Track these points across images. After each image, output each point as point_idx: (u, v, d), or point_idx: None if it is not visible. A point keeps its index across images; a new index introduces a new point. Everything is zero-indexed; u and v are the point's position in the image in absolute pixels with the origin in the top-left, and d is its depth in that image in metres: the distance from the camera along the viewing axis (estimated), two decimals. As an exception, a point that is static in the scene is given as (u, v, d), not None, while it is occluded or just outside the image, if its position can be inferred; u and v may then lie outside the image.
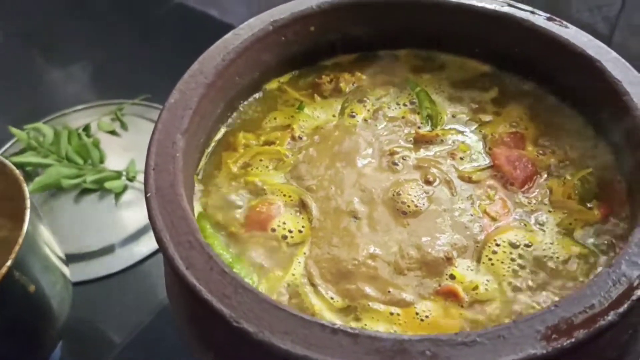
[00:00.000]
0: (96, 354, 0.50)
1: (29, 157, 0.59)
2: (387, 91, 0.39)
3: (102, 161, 0.61)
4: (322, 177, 0.35)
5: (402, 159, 0.35)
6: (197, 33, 0.81)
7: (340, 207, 0.33)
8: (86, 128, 0.66)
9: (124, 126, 0.67)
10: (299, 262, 0.31)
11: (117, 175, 0.59)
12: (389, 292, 0.30)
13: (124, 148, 0.64)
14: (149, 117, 0.69)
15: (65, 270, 0.45)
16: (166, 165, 0.30)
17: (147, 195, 0.29)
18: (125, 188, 0.59)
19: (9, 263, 0.36)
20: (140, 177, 0.60)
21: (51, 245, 0.43)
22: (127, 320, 0.51)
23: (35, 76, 0.76)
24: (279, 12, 0.37)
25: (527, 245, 0.31)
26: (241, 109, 0.38)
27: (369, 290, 0.30)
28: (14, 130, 0.61)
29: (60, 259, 0.44)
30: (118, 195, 0.59)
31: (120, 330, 0.51)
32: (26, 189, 0.40)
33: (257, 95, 0.39)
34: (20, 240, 0.37)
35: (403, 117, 0.37)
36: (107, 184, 0.58)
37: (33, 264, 0.39)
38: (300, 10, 0.37)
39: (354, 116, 0.38)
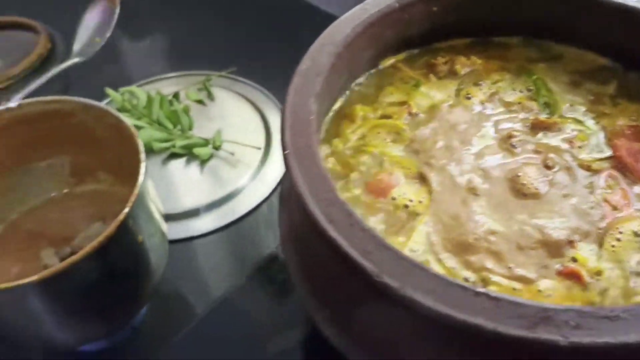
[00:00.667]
0: (178, 319, 0.51)
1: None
2: (503, 77, 0.39)
3: (190, 128, 0.63)
4: (440, 153, 0.35)
5: (521, 142, 0.35)
6: (287, 15, 0.82)
7: (459, 183, 0.34)
8: (175, 95, 0.68)
9: (210, 96, 0.69)
10: (420, 231, 0.32)
11: (205, 142, 0.61)
12: (509, 267, 0.30)
13: (210, 118, 0.66)
14: (234, 89, 0.71)
15: (164, 226, 0.46)
16: (301, 126, 0.31)
17: (286, 152, 0.30)
18: (211, 156, 0.61)
19: (126, 210, 0.37)
20: (226, 146, 0.61)
21: (155, 200, 0.45)
22: (210, 285, 0.53)
23: (128, 44, 0.78)
24: (407, -10, 0.37)
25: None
26: (358, 82, 0.39)
27: (490, 264, 0.30)
28: (109, 91, 0.63)
29: (160, 214, 0.46)
30: (204, 162, 0.61)
31: (204, 294, 0.52)
32: (140, 143, 0.42)
33: (372, 71, 0.40)
34: (136, 190, 0.39)
35: (519, 103, 0.38)
36: (196, 150, 0.60)
37: (141, 215, 0.41)
38: (426, -10, 0.37)
39: (469, 98, 0.38)
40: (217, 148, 0.61)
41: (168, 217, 0.57)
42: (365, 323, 0.29)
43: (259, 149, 0.63)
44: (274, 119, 0.67)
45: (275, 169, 0.61)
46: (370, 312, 0.28)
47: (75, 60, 0.71)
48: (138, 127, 0.61)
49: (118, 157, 0.47)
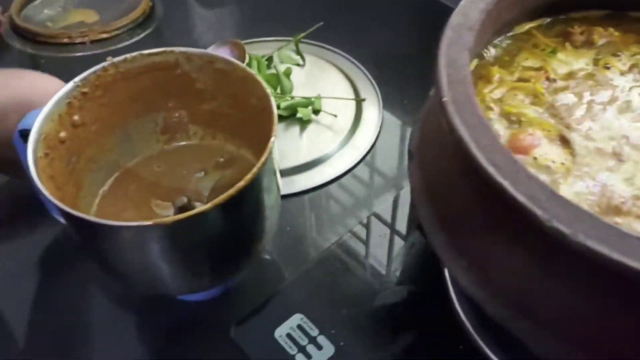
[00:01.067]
0: (273, 278, 0.51)
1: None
2: (643, 49, 0.39)
3: (290, 91, 0.64)
4: (581, 118, 0.35)
5: (666, 113, 0.35)
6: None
7: (602, 147, 0.34)
8: (269, 59, 0.69)
9: (303, 60, 0.70)
10: (564, 191, 0.32)
11: (308, 102, 0.62)
12: (661, 233, 0.30)
13: (302, 83, 0.67)
14: (321, 55, 0.72)
15: (280, 183, 0.45)
16: (458, 76, 0.31)
17: (443, 99, 0.30)
18: (310, 119, 0.62)
19: (263, 158, 0.37)
20: (328, 107, 0.62)
21: (276, 158, 0.44)
22: (297, 248, 0.53)
23: (208, 10, 0.79)
24: (554, -45, 0.37)
25: None
26: (495, 44, 0.40)
27: (639, 227, 0.30)
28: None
29: (278, 171, 0.45)
30: (304, 124, 0.62)
31: (292, 257, 0.53)
32: (267, 87, 0.42)
33: (508, 36, 0.40)
34: (270, 144, 0.38)
35: (662, 76, 0.37)
36: (300, 111, 0.61)
37: (267, 170, 0.40)
38: (575, -43, 0.37)
39: (608, 68, 0.38)
40: (316, 112, 0.62)
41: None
42: (512, 273, 0.30)
43: (364, 100, 0.65)
44: (363, 88, 0.67)
45: (365, 137, 0.62)
46: (522, 261, 0.29)
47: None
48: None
49: (218, 108, 0.48)
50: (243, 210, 0.39)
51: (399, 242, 0.48)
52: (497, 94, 0.37)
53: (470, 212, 0.31)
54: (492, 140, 0.28)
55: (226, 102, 0.48)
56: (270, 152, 0.38)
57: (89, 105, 0.44)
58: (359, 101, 0.65)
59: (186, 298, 0.47)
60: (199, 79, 0.47)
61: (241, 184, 0.36)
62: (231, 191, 0.36)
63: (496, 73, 0.38)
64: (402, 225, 0.50)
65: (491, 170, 0.27)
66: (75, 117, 0.43)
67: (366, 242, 0.48)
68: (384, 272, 0.45)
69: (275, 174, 0.42)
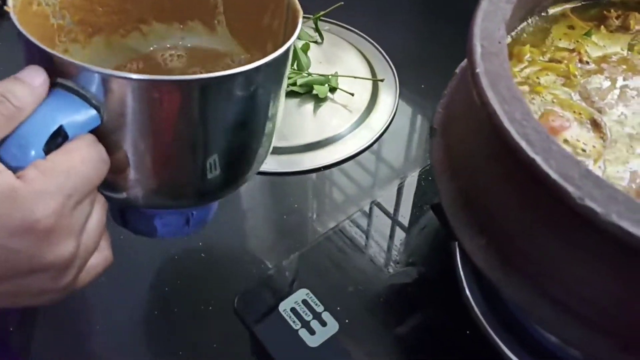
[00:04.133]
0: (280, 252, 0.50)
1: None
2: (680, 38, 0.38)
3: (307, 67, 0.63)
4: (613, 103, 0.34)
5: (701, 103, 0.34)
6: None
7: (633, 133, 0.32)
8: (287, 34, 0.67)
9: (321, 37, 0.68)
10: (594, 175, 0.31)
11: (325, 80, 0.60)
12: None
13: (320, 61, 0.66)
14: (339, 34, 0.71)
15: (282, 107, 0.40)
16: (493, 49, 0.30)
17: (477, 70, 0.29)
18: (326, 97, 0.61)
19: (294, 37, 0.34)
20: (344, 86, 0.61)
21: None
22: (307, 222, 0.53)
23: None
24: None
25: None
26: (527, 23, 0.38)
27: (670, 216, 0.29)
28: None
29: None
30: (319, 101, 0.60)
31: (304, 233, 0.52)
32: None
33: (541, 15, 0.39)
34: (291, 42, 0.34)
35: (699, 66, 0.36)
36: (316, 87, 0.59)
37: (285, 66, 0.36)
38: None
39: (644, 54, 0.37)
40: (332, 90, 0.61)
41: (276, 150, 0.57)
42: (535, 254, 0.28)
43: (382, 80, 0.64)
44: (380, 69, 0.66)
45: (380, 119, 0.61)
46: (547, 241, 0.28)
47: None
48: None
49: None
50: (262, 90, 0.34)
51: (410, 221, 0.47)
52: (527, 73, 0.36)
53: (495, 189, 0.30)
54: (526, 114, 0.27)
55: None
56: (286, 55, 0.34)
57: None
58: (376, 81, 0.64)
59: (170, 234, 0.42)
60: None
61: (277, 53, 0.32)
62: (275, 54, 0.32)
63: (527, 52, 0.37)
64: (414, 210, 0.49)
65: (523, 144, 0.26)
66: None
67: (376, 221, 0.47)
68: (394, 251, 0.44)
69: (284, 81, 0.37)
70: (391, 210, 0.48)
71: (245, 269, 0.48)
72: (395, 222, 0.47)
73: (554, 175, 0.25)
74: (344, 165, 0.57)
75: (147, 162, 0.33)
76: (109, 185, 0.33)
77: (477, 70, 0.29)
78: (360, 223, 0.46)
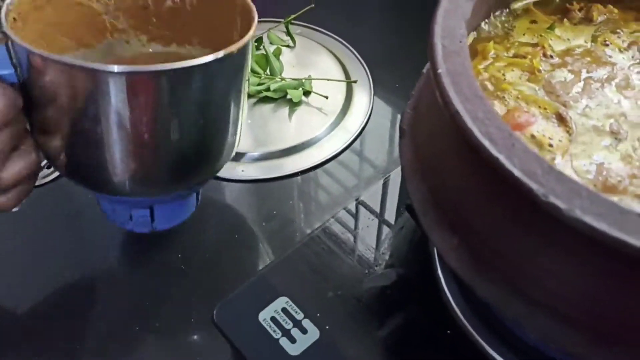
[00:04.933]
0: (258, 261, 0.51)
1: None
2: (642, 27, 0.38)
3: (280, 72, 0.62)
4: (577, 96, 0.34)
5: (665, 92, 0.34)
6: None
7: (598, 125, 0.33)
8: (258, 40, 0.67)
9: (293, 41, 0.68)
10: (561, 170, 0.31)
11: (298, 84, 0.60)
12: (657, 215, 0.29)
13: (293, 64, 0.66)
14: (311, 37, 0.70)
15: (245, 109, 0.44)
16: (454, 47, 0.30)
17: (438, 71, 0.29)
18: (301, 101, 0.61)
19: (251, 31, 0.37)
20: (318, 89, 0.61)
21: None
22: (287, 226, 0.52)
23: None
24: None
25: None
26: (488, 20, 0.38)
27: (637, 206, 0.29)
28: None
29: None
30: (294, 106, 0.60)
31: (281, 240, 0.52)
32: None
33: (504, 11, 0.39)
34: (247, 38, 0.37)
35: (662, 54, 0.36)
36: (290, 92, 0.59)
37: (245, 66, 0.39)
38: None
39: (607, 45, 0.37)
40: (307, 93, 0.61)
41: (255, 157, 0.57)
42: (506, 251, 0.28)
43: (355, 82, 0.63)
44: (354, 70, 0.66)
45: (355, 120, 0.61)
46: (516, 239, 0.28)
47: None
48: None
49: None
50: (222, 83, 0.37)
51: (386, 228, 0.47)
52: (492, 70, 0.36)
53: (463, 188, 0.30)
54: (488, 113, 0.27)
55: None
56: (245, 51, 0.37)
57: None
58: (350, 82, 0.64)
59: (135, 229, 0.45)
60: None
61: (240, 43, 0.36)
62: (240, 44, 0.36)
63: (492, 49, 0.37)
64: (390, 212, 0.49)
65: (486, 143, 0.26)
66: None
67: (355, 225, 0.47)
68: (372, 254, 0.44)
69: (245, 84, 0.40)
70: (370, 216, 0.48)
71: (225, 279, 0.48)
72: (382, 222, 0.47)
73: (517, 173, 0.25)
74: (321, 169, 0.57)
75: (79, 143, 0.37)
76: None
77: (439, 70, 0.29)
78: (337, 230, 0.46)
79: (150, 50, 0.47)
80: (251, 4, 0.40)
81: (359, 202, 0.48)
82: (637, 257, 0.23)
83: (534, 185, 0.25)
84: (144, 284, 0.48)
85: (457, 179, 0.30)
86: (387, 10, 0.76)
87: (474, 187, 0.29)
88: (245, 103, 0.42)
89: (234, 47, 0.35)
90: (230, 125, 0.41)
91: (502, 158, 0.26)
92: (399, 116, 0.63)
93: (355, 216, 0.48)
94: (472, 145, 0.27)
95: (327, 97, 0.61)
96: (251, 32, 0.37)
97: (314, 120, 0.60)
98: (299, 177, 0.56)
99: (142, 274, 0.49)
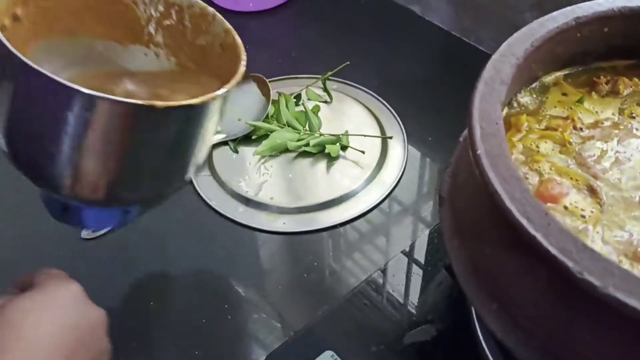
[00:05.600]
0: (303, 314, 0.53)
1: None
2: (667, 99, 0.41)
3: (319, 128, 0.66)
4: (607, 168, 0.37)
5: (690, 164, 0.36)
6: (393, 24, 0.85)
7: (628, 197, 0.35)
8: (297, 96, 0.71)
9: (330, 97, 0.72)
10: (593, 240, 0.33)
11: (336, 139, 0.64)
12: (686, 283, 0.31)
13: (330, 119, 0.69)
14: (347, 92, 0.74)
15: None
16: (491, 129, 0.33)
17: (477, 152, 0.32)
18: (338, 155, 0.64)
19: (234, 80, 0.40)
20: (354, 143, 0.64)
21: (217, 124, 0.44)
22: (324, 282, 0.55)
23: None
24: (582, 10, 0.39)
25: None
26: (520, 94, 0.41)
27: (666, 276, 0.31)
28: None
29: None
30: (331, 160, 0.63)
31: (324, 293, 0.54)
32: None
33: (536, 85, 0.42)
34: (234, 81, 0.40)
35: (687, 127, 0.39)
36: (328, 147, 0.63)
37: (217, 112, 0.41)
38: (602, 11, 0.39)
39: (634, 117, 0.40)
40: (344, 148, 0.64)
41: (295, 210, 0.60)
42: (542, 319, 0.31)
43: (391, 138, 0.67)
44: (388, 124, 0.69)
45: (391, 173, 0.64)
46: (552, 309, 0.30)
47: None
48: (271, 131, 0.65)
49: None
50: (199, 124, 0.40)
51: (425, 282, 0.49)
52: (526, 142, 0.38)
53: (501, 258, 0.32)
54: (525, 193, 0.30)
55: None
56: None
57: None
58: (385, 138, 0.67)
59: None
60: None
61: (221, 91, 0.39)
62: (214, 94, 0.38)
63: (525, 121, 0.39)
64: (428, 261, 0.51)
65: (524, 222, 0.29)
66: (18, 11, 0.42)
67: (393, 280, 0.49)
68: (412, 309, 0.47)
69: (218, 121, 0.43)
70: (410, 269, 0.50)
71: (271, 330, 0.50)
72: (425, 273, 0.49)
73: (553, 250, 0.28)
74: (359, 221, 0.60)
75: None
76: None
77: (478, 151, 0.32)
78: (379, 282, 0.49)
79: (174, 69, 0.50)
80: (241, 69, 0.42)
81: (404, 254, 0.51)
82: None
83: (569, 263, 0.27)
84: (194, 333, 0.50)
85: (496, 249, 0.33)
86: (417, 67, 0.79)
87: (512, 259, 0.31)
88: (206, 146, 0.44)
89: (195, 101, 0.38)
90: (182, 164, 0.43)
91: (539, 236, 0.28)
92: (432, 168, 0.66)
93: (394, 270, 0.50)
94: (510, 223, 0.29)
95: (363, 152, 0.64)
96: (216, 93, 0.39)
97: (351, 174, 0.63)
98: (339, 229, 0.59)
99: (192, 323, 0.51)
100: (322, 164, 0.64)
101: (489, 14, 0.77)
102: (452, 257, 0.36)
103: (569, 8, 0.39)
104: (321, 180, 0.63)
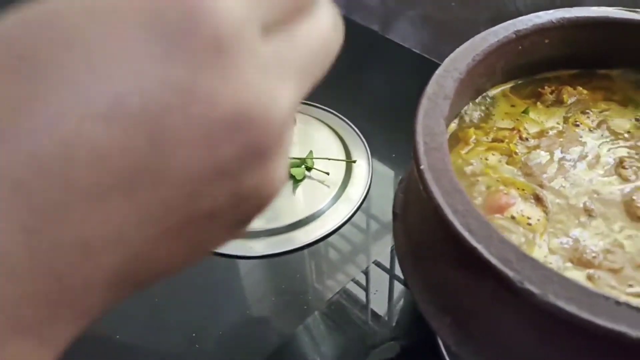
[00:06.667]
0: (275, 334, 0.53)
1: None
2: (610, 106, 0.41)
3: (282, 149, 0.66)
4: (552, 176, 0.37)
5: (633, 169, 0.37)
6: (354, 43, 0.86)
7: (573, 204, 0.36)
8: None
9: (294, 119, 0.72)
10: (540, 247, 0.34)
11: (300, 162, 0.64)
12: (630, 285, 0.32)
13: (295, 140, 0.70)
14: (310, 114, 0.75)
15: None
16: (434, 144, 0.33)
17: (421, 167, 0.32)
18: (304, 177, 0.64)
19: None
20: (319, 165, 0.65)
21: None
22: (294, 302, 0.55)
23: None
24: (522, 23, 0.40)
25: None
26: (468, 107, 0.42)
27: (612, 281, 0.32)
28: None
29: None
30: (297, 182, 0.64)
31: (295, 311, 0.54)
32: None
33: (482, 97, 0.43)
34: None
35: (629, 132, 0.39)
36: (293, 170, 0.63)
37: None
38: (541, 23, 0.40)
39: (578, 125, 0.40)
40: (309, 169, 0.65)
41: (263, 233, 0.60)
42: (492, 330, 0.31)
43: (354, 161, 0.67)
44: (353, 144, 0.70)
45: (357, 190, 0.64)
46: (500, 319, 0.30)
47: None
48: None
49: None
50: None
51: (390, 296, 0.49)
52: (474, 155, 0.39)
53: (451, 274, 0.33)
54: (467, 205, 0.30)
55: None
56: None
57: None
58: (349, 162, 0.67)
59: None
60: None
61: None
62: None
63: (472, 135, 0.40)
64: (392, 277, 0.51)
65: (466, 234, 0.29)
66: None
67: (366, 290, 0.49)
68: (377, 327, 0.47)
69: None
70: (383, 278, 0.50)
71: (238, 356, 0.50)
72: (380, 295, 0.50)
73: (494, 261, 0.28)
74: (329, 240, 0.60)
75: None
76: None
77: (422, 166, 0.32)
78: (351, 294, 0.49)
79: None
80: None
81: (364, 272, 0.51)
82: (603, 335, 0.25)
83: (510, 273, 0.27)
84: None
85: (445, 263, 0.33)
86: (380, 85, 0.80)
87: (460, 272, 0.32)
88: None
89: None
90: None
91: (480, 248, 0.29)
92: (394, 187, 0.66)
93: (367, 282, 0.50)
94: (453, 236, 0.30)
95: (328, 174, 0.64)
96: None
97: (317, 194, 0.63)
98: (305, 251, 0.59)
99: (152, 355, 0.51)
100: (288, 186, 0.64)
101: (448, 30, 0.79)
102: (406, 273, 0.36)
103: (509, 22, 0.40)
104: (287, 202, 0.63)
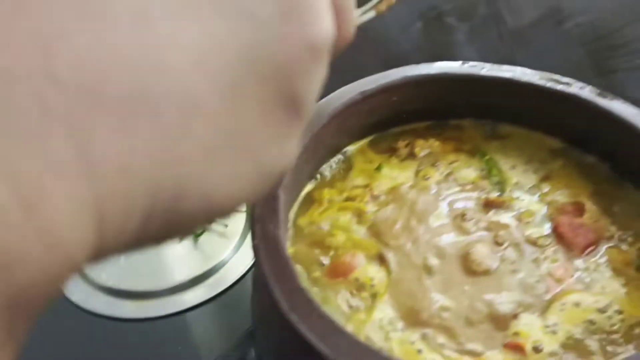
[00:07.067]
0: None
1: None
2: (458, 157, 0.43)
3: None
4: (399, 234, 0.38)
5: (473, 220, 0.39)
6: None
7: (415, 262, 0.37)
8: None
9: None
10: (380, 309, 0.35)
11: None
12: (460, 342, 0.33)
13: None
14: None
15: None
16: (270, 217, 0.34)
17: (255, 242, 0.33)
18: (203, 230, 0.64)
19: None
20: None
21: None
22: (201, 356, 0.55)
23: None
24: (367, 83, 0.41)
25: (591, 308, 0.34)
26: (325, 167, 0.43)
27: (442, 339, 0.33)
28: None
29: None
30: (196, 236, 0.64)
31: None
32: None
33: (339, 156, 0.44)
34: None
35: (473, 183, 0.41)
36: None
37: None
38: (386, 82, 0.41)
39: (427, 179, 0.42)
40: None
41: (160, 293, 0.60)
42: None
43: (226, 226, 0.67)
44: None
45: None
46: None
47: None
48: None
49: None
50: None
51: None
52: (326, 216, 0.40)
53: (287, 348, 0.33)
54: (293, 280, 0.31)
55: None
56: None
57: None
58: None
59: None
60: None
61: None
62: None
63: (327, 195, 0.41)
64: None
65: (288, 312, 0.30)
66: None
67: None
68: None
69: None
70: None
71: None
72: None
73: (311, 337, 0.29)
74: (228, 294, 0.60)
75: None
76: None
77: (255, 241, 0.33)
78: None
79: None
80: None
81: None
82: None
83: (324, 349, 0.28)
84: None
85: (279, 338, 0.34)
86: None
87: (292, 348, 0.32)
88: None
89: None
90: None
91: (300, 324, 0.29)
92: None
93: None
94: (279, 313, 0.30)
95: (226, 226, 0.65)
96: None
97: (215, 246, 0.64)
98: (212, 303, 0.59)
99: None
100: (188, 241, 0.64)
101: (338, 77, 0.80)
102: (259, 343, 0.37)
103: (355, 83, 0.42)
104: (189, 256, 0.63)
